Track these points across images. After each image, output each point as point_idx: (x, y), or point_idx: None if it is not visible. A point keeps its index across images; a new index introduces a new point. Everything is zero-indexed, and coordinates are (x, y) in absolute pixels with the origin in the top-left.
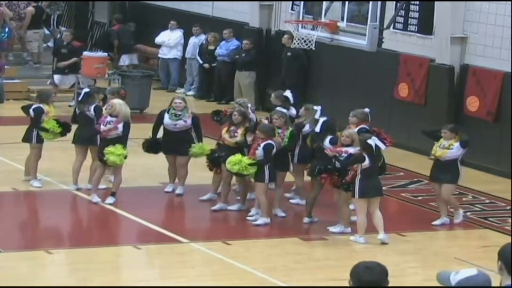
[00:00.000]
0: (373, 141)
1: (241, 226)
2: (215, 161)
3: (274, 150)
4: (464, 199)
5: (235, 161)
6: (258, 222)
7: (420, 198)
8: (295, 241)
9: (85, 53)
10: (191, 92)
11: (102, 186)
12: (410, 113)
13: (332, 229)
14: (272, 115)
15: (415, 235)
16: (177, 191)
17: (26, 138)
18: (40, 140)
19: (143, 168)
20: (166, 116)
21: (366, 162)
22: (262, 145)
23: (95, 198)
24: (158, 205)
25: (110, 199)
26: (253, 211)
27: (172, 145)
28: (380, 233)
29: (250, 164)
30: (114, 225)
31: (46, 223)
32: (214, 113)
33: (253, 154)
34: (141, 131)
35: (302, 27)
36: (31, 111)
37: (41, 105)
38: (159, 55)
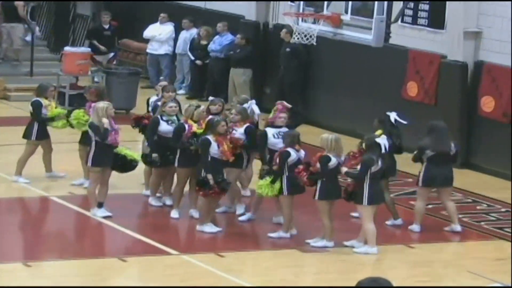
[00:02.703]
0: (382, 140)
1: (235, 236)
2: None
3: (293, 158)
4: (478, 207)
5: (262, 185)
6: (273, 235)
7: (430, 206)
8: (294, 253)
9: (67, 48)
10: (181, 91)
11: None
12: (420, 114)
13: (313, 243)
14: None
15: (425, 246)
16: (168, 202)
17: (26, 135)
18: (39, 137)
19: (128, 174)
20: (163, 123)
21: (379, 164)
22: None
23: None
24: (144, 214)
25: (102, 212)
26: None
27: (169, 154)
28: (370, 245)
29: (272, 181)
30: (97, 235)
31: (24, 233)
32: (135, 120)
33: (275, 161)
34: (127, 133)
35: (302, 21)
36: (29, 105)
37: (38, 99)
38: (148, 51)
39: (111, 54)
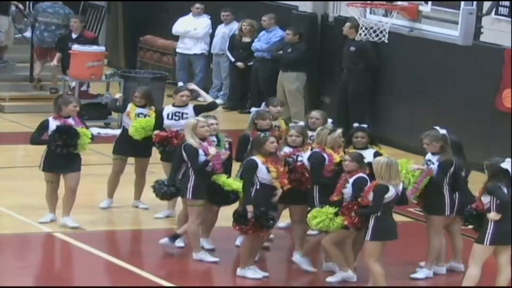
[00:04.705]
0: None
1: (283, 283)
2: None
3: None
4: None
5: (316, 215)
6: (331, 279)
7: None
8: None
9: (75, 47)
10: (218, 101)
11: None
12: None
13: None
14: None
15: None
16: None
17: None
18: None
19: (154, 204)
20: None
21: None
22: (352, 179)
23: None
24: (179, 258)
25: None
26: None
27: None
28: None
29: (336, 214)
30: (113, 283)
31: (17, 275)
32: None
33: (338, 195)
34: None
35: (371, 13)
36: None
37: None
38: (178, 50)
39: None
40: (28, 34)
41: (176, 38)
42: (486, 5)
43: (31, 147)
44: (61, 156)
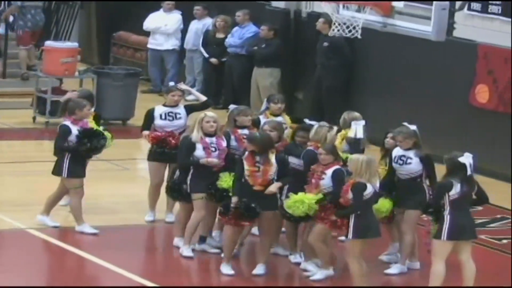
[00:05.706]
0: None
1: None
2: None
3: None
4: None
5: (297, 201)
6: (317, 277)
7: (505, 241)
8: None
9: (48, 43)
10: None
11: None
12: (493, 126)
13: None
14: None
15: None
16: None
17: None
18: None
19: (129, 201)
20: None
21: (456, 189)
22: (330, 171)
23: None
24: (156, 254)
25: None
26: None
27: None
28: None
29: (317, 202)
30: (91, 281)
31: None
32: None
33: (316, 187)
34: (124, 150)
35: (344, 8)
36: None
37: None
38: (150, 46)
39: None
40: (1, 30)
41: (148, 34)
42: (459, 0)
43: (6, 143)
44: (81, 160)
